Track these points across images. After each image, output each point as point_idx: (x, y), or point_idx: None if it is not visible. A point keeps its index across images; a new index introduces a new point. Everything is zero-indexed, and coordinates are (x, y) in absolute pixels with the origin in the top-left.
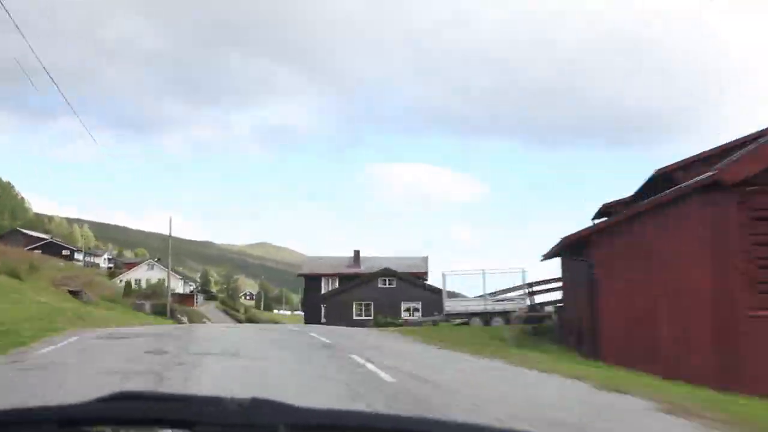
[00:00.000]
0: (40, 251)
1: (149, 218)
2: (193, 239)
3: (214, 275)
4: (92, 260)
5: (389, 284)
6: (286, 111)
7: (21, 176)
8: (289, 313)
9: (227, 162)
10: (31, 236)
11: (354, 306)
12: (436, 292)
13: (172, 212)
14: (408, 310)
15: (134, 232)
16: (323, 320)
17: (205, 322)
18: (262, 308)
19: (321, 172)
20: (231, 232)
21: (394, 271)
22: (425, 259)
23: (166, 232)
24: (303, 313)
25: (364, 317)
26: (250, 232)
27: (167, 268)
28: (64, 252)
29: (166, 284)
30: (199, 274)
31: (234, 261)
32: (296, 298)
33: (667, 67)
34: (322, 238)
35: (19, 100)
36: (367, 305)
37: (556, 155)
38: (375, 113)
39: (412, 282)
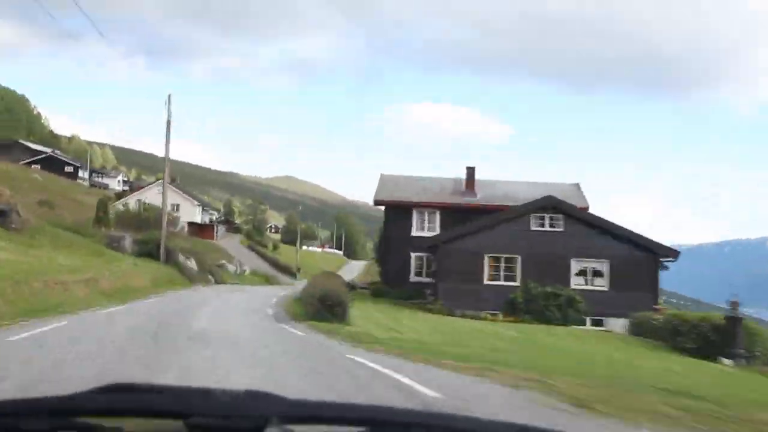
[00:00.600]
0: (39, 166)
1: (175, 146)
2: (218, 169)
3: (238, 205)
4: (102, 180)
5: (552, 226)
6: (313, 45)
7: (45, 97)
8: (319, 249)
9: (254, 94)
10: (33, 149)
11: (486, 261)
12: (641, 246)
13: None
14: (583, 273)
15: (160, 159)
16: (422, 278)
17: (222, 267)
18: (297, 245)
19: (345, 108)
20: (256, 165)
21: (560, 202)
22: (578, 188)
23: (192, 161)
24: (341, 251)
25: (503, 281)
26: (277, 165)
27: (175, 188)
28: (67, 169)
29: (164, 208)
30: (222, 204)
31: (258, 193)
32: (323, 233)
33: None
34: (345, 175)
35: (47, 20)
36: (510, 262)
37: (585, 98)
38: (401, 50)
39: (591, 223)
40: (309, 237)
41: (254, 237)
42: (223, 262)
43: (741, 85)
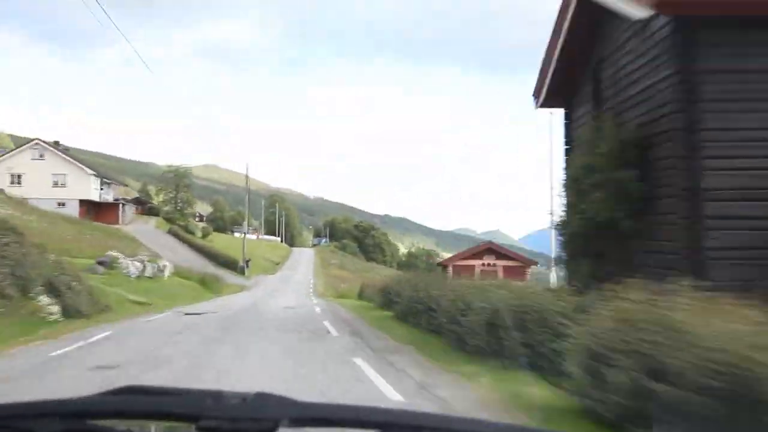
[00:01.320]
0: None
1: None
2: (134, 159)
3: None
4: None
5: None
6: (230, 30)
7: None
8: (254, 237)
9: (170, 81)
10: None
11: None
12: None
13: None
14: None
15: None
16: None
17: (111, 266)
18: (244, 229)
19: (266, 94)
20: (177, 154)
21: None
22: None
23: (106, 151)
24: (279, 239)
25: None
26: (199, 154)
27: (60, 153)
28: None
29: None
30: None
31: (166, 180)
32: (254, 222)
33: None
34: (273, 162)
35: None
36: None
37: (504, 84)
38: (322, 35)
39: None
40: (238, 224)
41: (177, 221)
42: (116, 255)
43: None
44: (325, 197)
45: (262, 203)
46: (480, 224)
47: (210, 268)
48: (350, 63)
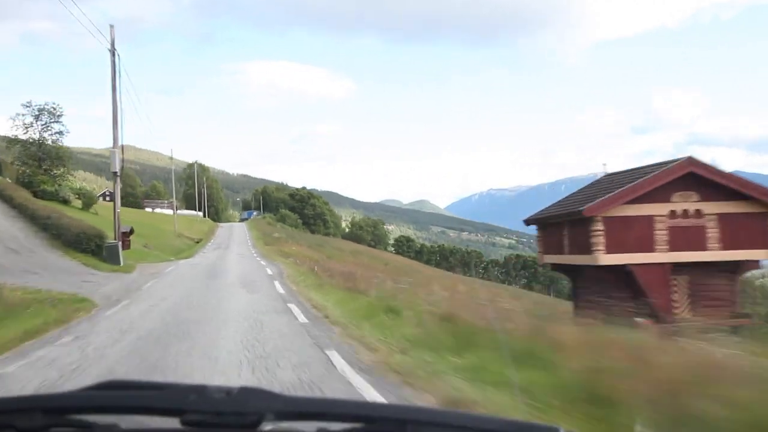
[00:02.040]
0: None
1: None
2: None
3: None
4: None
5: None
6: (133, 3)
7: None
8: (169, 212)
9: (70, 58)
10: None
11: None
12: None
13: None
14: None
15: None
16: None
17: None
18: (115, 190)
19: (177, 69)
20: (86, 136)
21: None
22: None
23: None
24: (201, 213)
25: None
26: (108, 135)
27: None
28: None
29: None
30: None
31: (89, 164)
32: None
33: None
34: (188, 139)
35: None
36: None
37: (421, 50)
38: (231, 8)
39: None
40: (153, 198)
41: (41, 184)
42: None
43: (563, 30)
44: (249, 173)
45: (181, 175)
46: (405, 194)
47: (49, 253)
48: (260, 35)
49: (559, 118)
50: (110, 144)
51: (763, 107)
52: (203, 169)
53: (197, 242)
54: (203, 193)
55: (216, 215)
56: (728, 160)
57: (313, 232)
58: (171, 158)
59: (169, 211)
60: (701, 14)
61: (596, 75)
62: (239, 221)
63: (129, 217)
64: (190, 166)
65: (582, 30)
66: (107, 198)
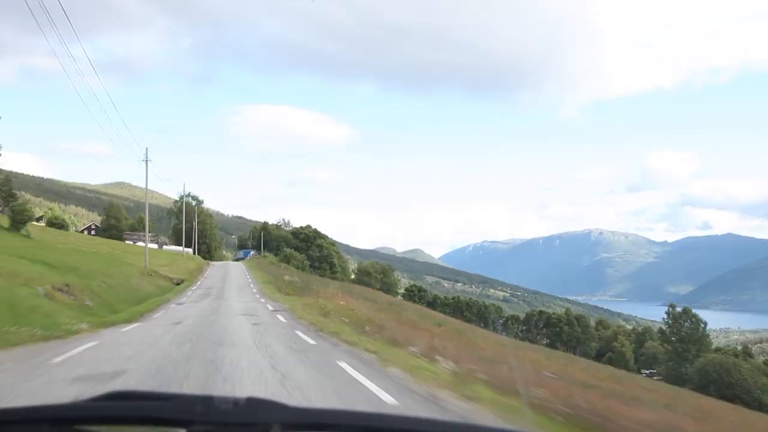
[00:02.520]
0: None
1: None
2: (35, 175)
3: None
4: None
5: None
6: (134, 43)
7: None
8: (155, 246)
9: (69, 95)
10: None
11: None
12: None
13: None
14: None
15: None
16: None
17: None
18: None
19: (176, 110)
20: (86, 172)
21: None
22: None
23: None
24: (191, 250)
25: None
26: (105, 172)
27: None
28: None
29: None
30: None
31: (87, 200)
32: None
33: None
34: (183, 178)
35: None
36: None
37: (421, 100)
38: (231, 49)
39: None
40: (136, 230)
41: None
42: None
43: (563, 87)
44: (244, 216)
45: (172, 210)
46: (399, 243)
47: None
48: (259, 79)
49: (555, 173)
50: (105, 180)
51: (755, 171)
52: (197, 202)
53: (177, 284)
54: (194, 227)
55: (208, 253)
56: (721, 222)
57: (320, 276)
58: (145, 186)
59: (153, 245)
60: (696, 78)
61: (593, 132)
62: (234, 261)
63: (98, 248)
64: (182, 197)
65: (580, 88)
66: (92, 231)
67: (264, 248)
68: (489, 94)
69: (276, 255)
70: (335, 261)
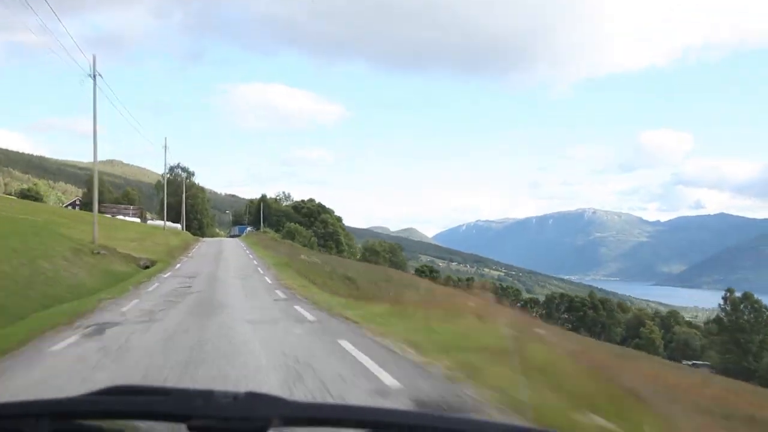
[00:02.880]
0: None
1: None
2: (25, 152)
3: None
4: None
5: None
6: (122, 19)
7: None
8: (137, 220)
9: (59, 72)
10: None
11: None
12: None
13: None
14: None
15: None
16: None
17: None
18: None
19: (167, 87)
20: (78, 150)
21: None
22: None
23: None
24: (179, 226)
25: None
26: (99, 150)
27: None
28: None
29: None
30: None
31: (78, 177)
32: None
33: None
34: (176, 157)
35: None
36: None
37: (413, 79)
38: (223, 28)
39: None
40: (120, 203)
41: None
42: None
43: (554, 65)
44: (237, 194)
45: (161, 183)
46: (393, 222)
47: None
48: (251, 57)
49: (548, 153)
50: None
51: (747, 150)
52: (186, 173)
53: (146, 267)
54: (182, 200)
55: (199, 230)
56: (713, 202)
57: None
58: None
59: (136, 219)
60: (689, 53)
61: (586, 110)
62: (228, 237)
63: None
64: (172, 169)
65: (572, 66)
66: (77, 206)
67: (263, 223)
68: (481, 73)
69: (277, 231)
70: (341, 238)
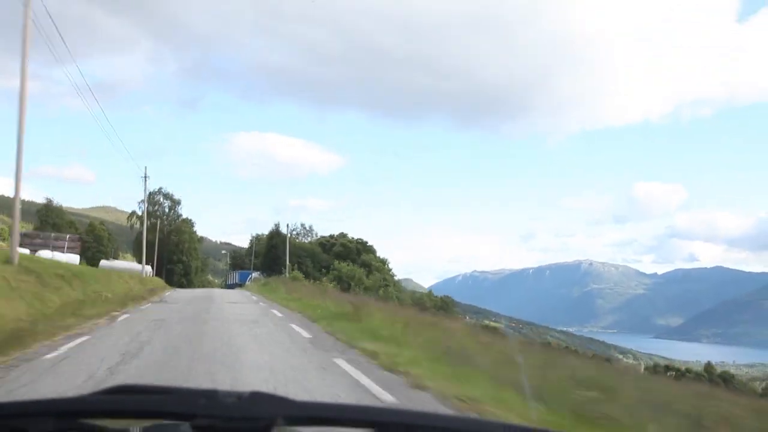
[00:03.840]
0: None
1: None
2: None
3: None
4: None
5: None
6: (116, 66)
7: None
8: (63, 257)
9: (51, 119)
10: None
11: None
12: None
13: None
14: None
15: None
16: None
17: None
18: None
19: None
20: (72, 196)
21: None
22: None
23: None
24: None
25: None
26: (92, 196)
27: None
28: None
29: None
30: None
31: (72, 224)
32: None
33: (513, 42)
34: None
35: None
36: None
37: (411, 128)
38: (219, 76)
39: None
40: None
41: None
42: None
43: (549, 115)
44: (233, 242)
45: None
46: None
47: None
48: (247, 105)
49: (543, 203)
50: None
51: (739, 204)
52: (171, 201)
53: None
54: (157, 234)
55: (185, 276)
56: (708, 254)
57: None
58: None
59: (73, 256)
60: (682, 110)
61: (581, 162)
62: (224, 288)
63: None
64: (152, 196)
65: (568, 118)
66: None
67: (274, 267)
68: (478, 123)
69: (314, 277)
70: (390, 286)
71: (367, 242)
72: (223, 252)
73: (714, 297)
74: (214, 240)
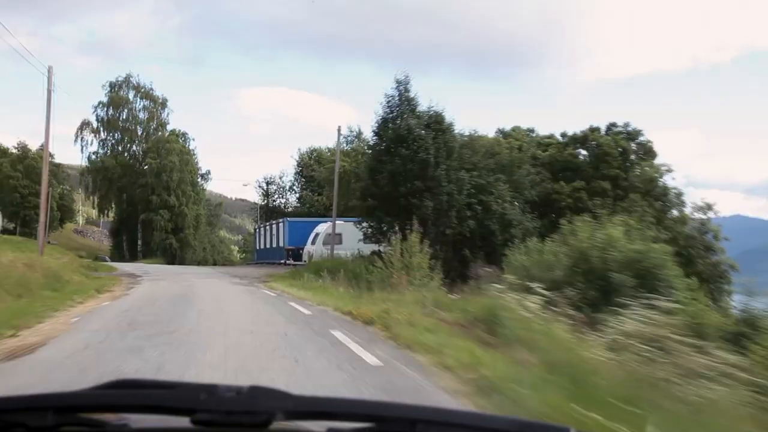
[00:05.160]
0: None
1: None
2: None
3: None
4: None
5: None
6: (118, 22)
7: None
8: None
9: (57, 78)
10: None
11: None
12: None
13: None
14: None
15: None
16: None
17: None
18: None
19: (166, 90)
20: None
21: None
22: None
23: None
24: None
25: None
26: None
27: None
28: None
29: None
30: None
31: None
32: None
33: None
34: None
35: None
36: None
37: (420, 79)
38: (224, 30)
39: None
40: None
41: None
42: None
43: (564, 65)
44: (248, 198)
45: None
46: None
47: None
48: (254, 61)
49: None
50: None
51: (760, 152)
52: (151, 101)
53: None
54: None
55: (174, 236)
56: (725, 203)
57: None
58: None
59: None
60: (699, 57)
61: (596, 111)
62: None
63: None
64: (114, 88)
65: (582, 67)
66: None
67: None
68: (489, 73)
69: None
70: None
71: None
72: (235, 218)
73: (735, 246)
74: (230, 197)
